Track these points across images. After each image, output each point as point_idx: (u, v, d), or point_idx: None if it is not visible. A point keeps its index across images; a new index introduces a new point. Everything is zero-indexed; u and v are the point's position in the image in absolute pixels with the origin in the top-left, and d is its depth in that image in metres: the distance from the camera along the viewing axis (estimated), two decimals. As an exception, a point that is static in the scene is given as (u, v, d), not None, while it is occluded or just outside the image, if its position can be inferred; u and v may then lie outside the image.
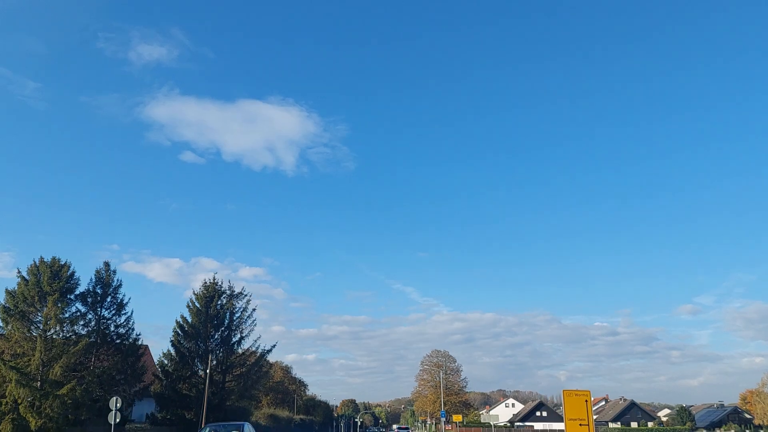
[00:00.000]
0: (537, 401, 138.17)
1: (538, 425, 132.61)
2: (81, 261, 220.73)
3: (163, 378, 48.01)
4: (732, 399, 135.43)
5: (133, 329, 44.25)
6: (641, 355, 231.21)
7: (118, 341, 43.30)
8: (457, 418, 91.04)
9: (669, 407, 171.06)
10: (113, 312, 43.78)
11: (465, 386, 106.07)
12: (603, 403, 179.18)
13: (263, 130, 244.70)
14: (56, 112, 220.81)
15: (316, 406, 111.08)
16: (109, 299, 42.55)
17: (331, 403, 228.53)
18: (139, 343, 44.38)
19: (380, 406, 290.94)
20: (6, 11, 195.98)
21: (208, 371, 43.75)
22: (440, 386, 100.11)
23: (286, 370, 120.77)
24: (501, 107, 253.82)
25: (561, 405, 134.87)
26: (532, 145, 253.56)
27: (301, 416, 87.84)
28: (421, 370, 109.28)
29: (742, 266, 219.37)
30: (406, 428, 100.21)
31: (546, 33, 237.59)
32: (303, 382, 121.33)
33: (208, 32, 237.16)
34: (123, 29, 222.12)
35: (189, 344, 49.19)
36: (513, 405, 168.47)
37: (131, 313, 44.24)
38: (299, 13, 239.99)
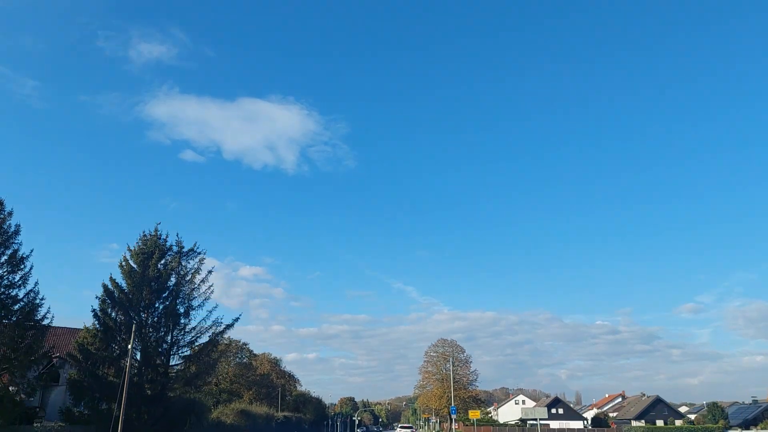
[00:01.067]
0: (553, 397, 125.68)
1: (554, 423, 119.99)
2: (79, 260, 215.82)
3: (82, 360, 35.39)
4: (739, 397, 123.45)
5: (37, 293, 31.96)
6: (642, 354, 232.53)
7: (12, 307, 31.04)
8: (474, 414, 77.98)
9: (686, 404, 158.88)
10: (6, 268, 31.44)
11: (475, 379, 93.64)
12: (620, 399, 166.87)
13: (264, 128, 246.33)
14: (56, 110, 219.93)
15: (306, 402, 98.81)
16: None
17: (328, 402, 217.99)
18: (45, 312, 32.00)
19: (380, 404, 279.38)
20: (6, 10, 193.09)
21: (130, 346, 30.94)
22: (449, 378, 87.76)
23: (275, 362, 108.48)
24: (502, 107, 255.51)
25: (579, 401, 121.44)
26: (533, 145, 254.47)
27: (287, 413, 75.46)
28: (425, 361, 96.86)
29: (743, 265, 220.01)
30: (410, 427, 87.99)
31: (553, 37, 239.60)
32: (293, 376, 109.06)
33: (208, 30, 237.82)
34: (123, 28, 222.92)
35: (119, 315, 36.62)
36: (523, 402, 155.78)
37: (30, 269, 31.85)
38: (300, 11, 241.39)
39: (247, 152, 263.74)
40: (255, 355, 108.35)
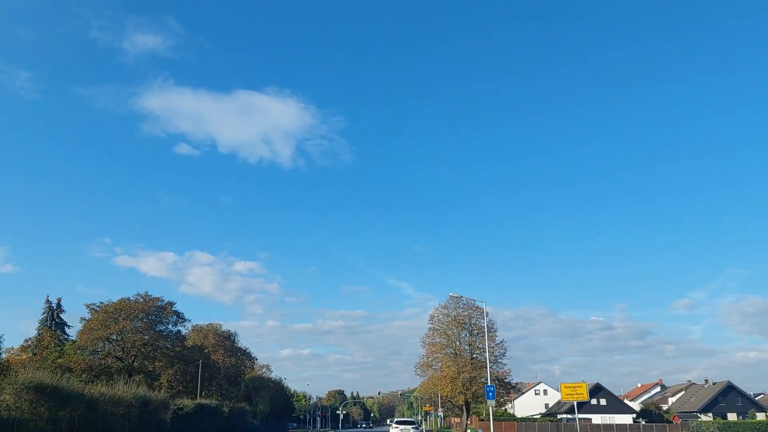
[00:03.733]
0: (593, 384, 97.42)
1: (595, 417, 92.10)
2: (73, 255, 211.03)
3: None
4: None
5: None
6: (636, 350, 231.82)
7: None
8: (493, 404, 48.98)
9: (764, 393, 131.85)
10: None
11: (503, 354, 65.20)
12: (658, 389, 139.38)
13: (260, 121, 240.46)
14: (49, 103, 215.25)
15: (261, 388, 70.55)
16: None
17: (318, 395, 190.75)
18: None
19: (372, 398, 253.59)
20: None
21: None
22: (467, 352, 59.55)
23: (225, 336, 79.77)
24: (499, 105, 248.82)
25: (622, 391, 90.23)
26: (529, 142, 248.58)
27: (209, 401, 46.82)
28: (430, 329, 68.39)
29: (736, 262, 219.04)
30: (412, 422, 59.11)
31: (553, 36, 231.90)
32: (250, 353, 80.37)
33: (203, 21, 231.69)
34: (117, 18, 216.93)
35: None
36: (545, 392, 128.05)
37: None
38: (297, 2, 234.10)
39: (242, 146, 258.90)
40: (197, 325, 79.88)
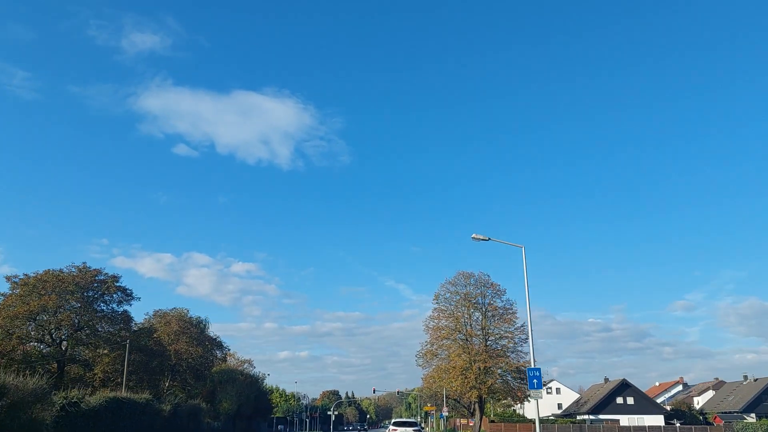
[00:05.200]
0: (618, 380, 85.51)
1: (622, 418, 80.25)
2: (70, 256, 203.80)
3: None
4: None
5: None
6: (633, 351, 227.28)
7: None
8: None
9: None
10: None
11: (526, 339, 53.14)
12: (680, 387, 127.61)
13: (258, 122, 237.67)
14: (46, 102, 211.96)
15: (227, 382, 58.50)
16: None
17: (311, 397, 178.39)
18: None
19: (369, 399, 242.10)
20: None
21: None
22: (482, 336, 47.54)
23: (194, 324, 67.82)
24: (500, 107, 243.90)
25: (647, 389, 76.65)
26: (531, 146, 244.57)
27: (137, 396, 34.57)
28: (435, 310, 56.22)
29: (732, 264, 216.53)
30: (413, 423, 46.67)
31: (553, 36, 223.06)
32: (220, 343, 68.31)
33: (202, 20, 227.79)
34: (115, 16, 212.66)
35: None
36: (558, 391, 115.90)
37: None
38: (296, 3, 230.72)
39: (241, 146, 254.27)
40: (160, 311, 67.85)
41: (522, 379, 51.83)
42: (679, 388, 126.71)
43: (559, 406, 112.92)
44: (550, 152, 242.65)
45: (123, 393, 34.80)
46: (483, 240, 25.59)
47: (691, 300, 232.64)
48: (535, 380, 23.89)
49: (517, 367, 51.08)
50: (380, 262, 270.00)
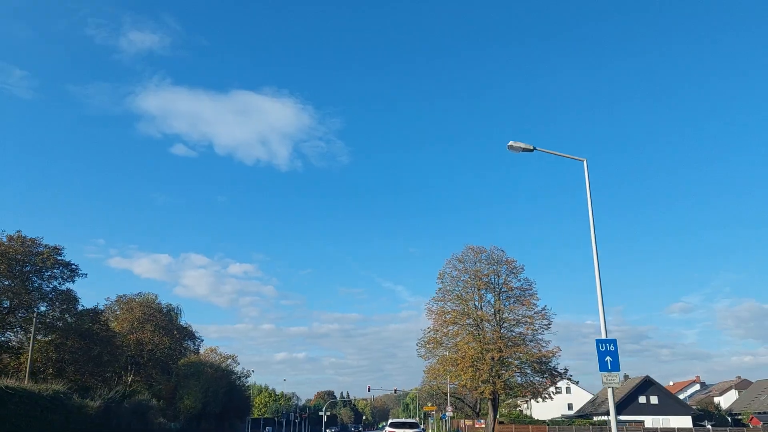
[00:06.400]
0: (641, 378, 76.99)
1: (647, 419, 71.89)
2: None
3: None
4: None
5: None
6: (631, 354, 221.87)
7: None
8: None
9: None
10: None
11: (548, 326, 44.63)
12: (697, 387, 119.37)
13: (257, 122, 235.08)
14: (43, 101, 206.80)
15: (192, 376, 49.90)
16: None
17: (307, 398, 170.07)
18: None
19: (365, 400, 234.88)
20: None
21: None
22: (498, 321, 39.13)
23: (162, 312, 59.38)
24: (499, 108, 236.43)
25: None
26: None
27: (37, 387, 26.03)
28: (439, 290, 47.57)
29: (730, 266, 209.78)
30: (413, 424, 38.06)
31: (553, 37, 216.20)
32: (192, 332, 59.86)
33: (202, 19, 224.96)
34: (114, 15, 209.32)
35: None
36: (568, 390, 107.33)
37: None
38: (295, 2, 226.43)
39: (239, 147, 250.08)
40: (124, 296, 59.46)
41: (544, 373, 43.32)
42: (697, 387, 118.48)
43: (569, 406, 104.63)
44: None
45: (25, 383, 26.19)
46: (525, 150, 17.09)
47: (689, 302, 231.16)
48: (608, 358, 15.50)
49: (539, 357, 42.55)
50: (378, 263, 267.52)
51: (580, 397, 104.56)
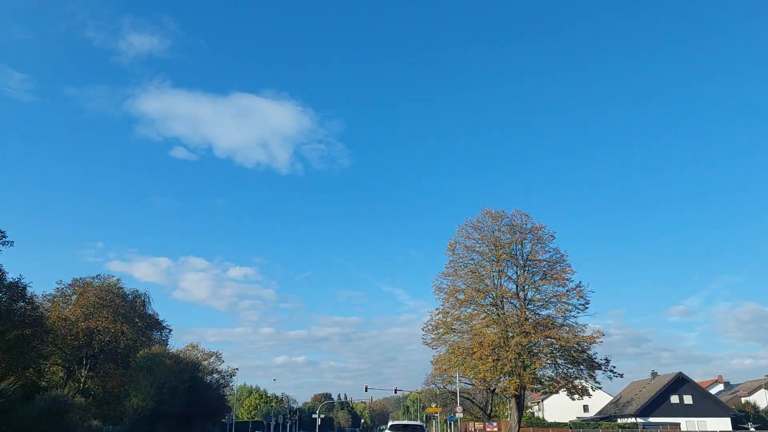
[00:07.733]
0: (675, 375, 68.41)
1: (681, 421, 63.39)
2: (65, 260, 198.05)
3: None
4: None
5: None
6: (631, 357, 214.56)
7: None
8: None
9: None
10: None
11: (587, 306, 36.11)
12: (721, 387, 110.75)
13: (257, 125, 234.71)
14: (42, 104, 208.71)
15: (145, 369, 41.45)
16: None
17: (303, 401, 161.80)
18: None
19: (364, 402, 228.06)
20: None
21: None
22: (522, 296, 30.96)
23: (123, 297, 50.94)
24: (499, 110, 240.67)
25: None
26: (528, 148, 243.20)
27: None
28: (449, 263, 38.98)
29: (729, 269, 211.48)
30: (418, 426, 29.91)
31: (553, 38, 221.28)
32: (159, 321, 51.42)
33: (201, 22, 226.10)
34: (113, 17, 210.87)
35: None
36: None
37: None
38: (295, 4, 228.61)
39: (239, 150, 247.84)
40: (80, 278, 51.16)
41: (582, 363, 34.76)
42: (720, 387, 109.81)
43: (585, 408, 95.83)
44: (551, 153, 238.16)
45: None
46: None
47: (689, 305, 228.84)
48: None
49: (576, 343, 34.03)
50: (378, 267, 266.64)
51: (596, 399, 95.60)
